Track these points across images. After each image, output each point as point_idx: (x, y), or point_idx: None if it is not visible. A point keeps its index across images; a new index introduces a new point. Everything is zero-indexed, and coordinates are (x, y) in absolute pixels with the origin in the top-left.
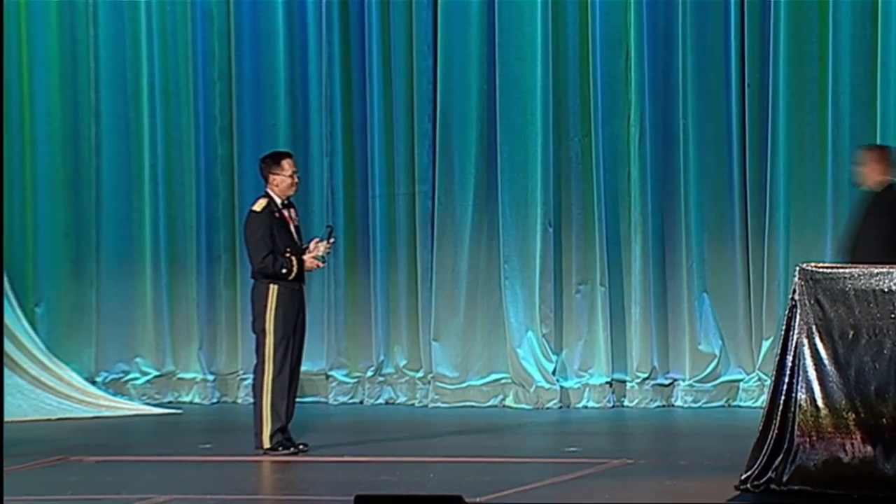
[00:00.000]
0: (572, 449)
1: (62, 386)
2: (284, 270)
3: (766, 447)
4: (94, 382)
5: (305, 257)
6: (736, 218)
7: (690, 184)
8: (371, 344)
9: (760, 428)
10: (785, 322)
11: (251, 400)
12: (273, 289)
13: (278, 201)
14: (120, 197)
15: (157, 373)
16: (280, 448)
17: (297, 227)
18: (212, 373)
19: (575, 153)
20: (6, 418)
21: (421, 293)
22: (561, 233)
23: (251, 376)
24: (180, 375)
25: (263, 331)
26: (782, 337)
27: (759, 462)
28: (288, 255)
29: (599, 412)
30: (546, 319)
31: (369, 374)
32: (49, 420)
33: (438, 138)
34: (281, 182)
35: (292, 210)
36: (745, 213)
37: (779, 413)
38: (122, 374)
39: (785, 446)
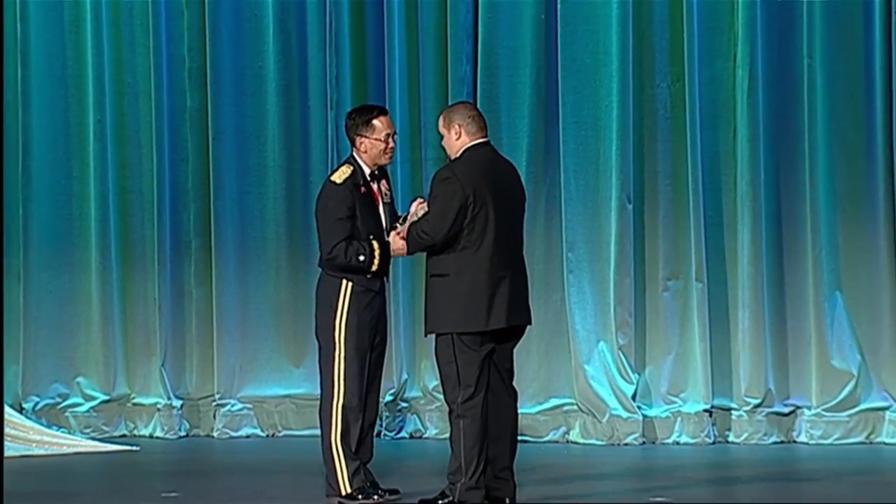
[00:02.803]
0: (659, 499)
1: None
2: (361, 258)
3: None
4: (20, 410)
5: (392, 236)
6: (879, 191)
7: (818, 145)
8: (390, 358)
9: None
10: None
11: (317, 432)
12: (345, 286)
13: (366, 171)
14: (55, 163)
15: (105, 397)
16: (360, 496)
17: (388, 206)
18: (178, 397)
19: (662, 104)
20: None
21: None
22: (644, 211)
23: (232, 402)
24: (137, 400)
25: (331, 341)
26: None
27: None
28: (370, 240)
29: (695, 450)
30: (624, 326)
31: (388, 398)
32: None
33: (480, 86)
34: (371, 147)
35: (384, 182)
36: (892, 185)
37: None
38: (58, 399)
39: None
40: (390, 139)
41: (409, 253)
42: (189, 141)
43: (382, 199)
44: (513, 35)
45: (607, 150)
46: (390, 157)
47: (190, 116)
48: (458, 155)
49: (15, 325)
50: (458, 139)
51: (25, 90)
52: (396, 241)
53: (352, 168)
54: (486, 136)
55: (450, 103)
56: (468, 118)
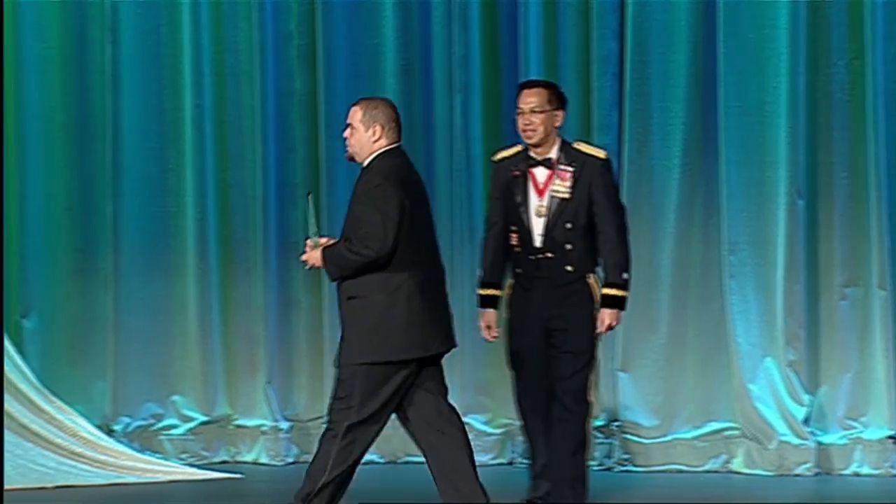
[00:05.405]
0: None
1: (63, 438)
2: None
3: None
4: (110, 433)
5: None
6: None
7: None
8: None
9: None
10: None
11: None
12: None
13: (530, 152)
14: (148, 153)
15: (203, 418)
16: None
17: (540, 192)
18: (286, 419)
19: (839, 86)
20: None
21: None
22: (817, 208)
23: None
24: (239, 422)
25: None
26: None
27: None
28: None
29: (879, 482)
30: (794, 340)
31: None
32: (44, 489)
33: (628, 64)
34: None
35: (565, 171)
36: None
37: None
38: (152, 421)
39: None
40: (521, 117)
41: (338, 278)
42: (297, 128)
43: (552, 187)
44: (666, 6)
45: (774, 139)
46: (528, 138)
47: (298, 101)
48: (372, 158)
49: (102, 337)
50: (375, 141)
51: (115, 72)
52: (312, 254)
53: (519, 148)
54: (400, 143)
55: (591, 88)
56: (393, 122)
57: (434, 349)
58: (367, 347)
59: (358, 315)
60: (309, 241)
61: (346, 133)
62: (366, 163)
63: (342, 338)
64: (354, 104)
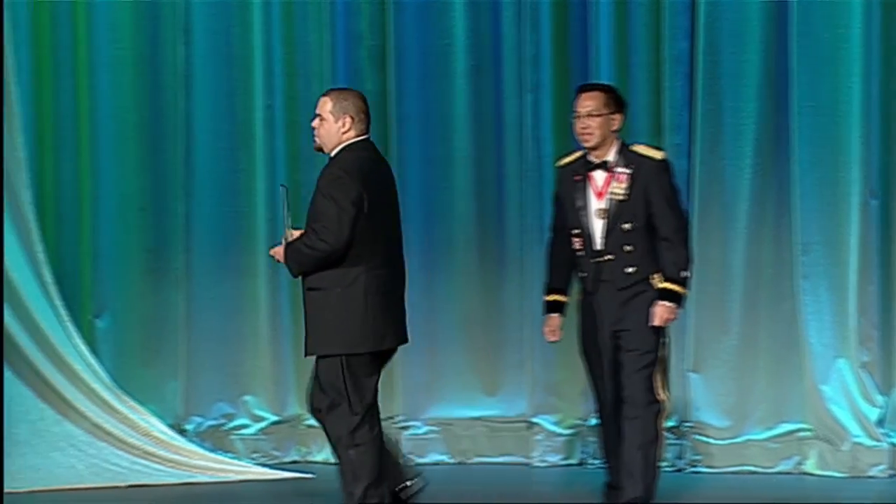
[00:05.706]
0: None
1: (136, 437)
2: None
3: None
4: (182, 432)
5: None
6: None
7: None
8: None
9: None
10: None
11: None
12: None
13: (589, 156)
14: (219, 153)
15: (275, 418)
16: None
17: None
18: None
19: None
20: (56, 484)
21: None
22: (891, 207)
23: (417, 425)
24: (310, 422)
25: None
26: None
27: None
28: None
29: None
30: (868, 341)
31: (593, 421)
32: (117, 487)
33: (700, 64)
34: None
35: (622, 175)
36: None
37: None
38: (223, 420)
39: None
40: (577, 121)
41: (299, 273)
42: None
43: (610, 190)
44: (738, 5)
45: (848, 139)
46: (585, 141)
47: (369, 101)
48: (339, 150)
49: (173, 336)
50: (345, 132)
51: (188, 73)
52: (278, 250)
53: (581, 153)
54: (369, 135)
55: (662, 87)
56: (363, 114)
57: (387, 344)
58: (327, 339)
59: (317, 307)
60: (285, 235)
61: (315, 123)
62: (332, 154)
63: (306, 329)
64: (324, 94)
